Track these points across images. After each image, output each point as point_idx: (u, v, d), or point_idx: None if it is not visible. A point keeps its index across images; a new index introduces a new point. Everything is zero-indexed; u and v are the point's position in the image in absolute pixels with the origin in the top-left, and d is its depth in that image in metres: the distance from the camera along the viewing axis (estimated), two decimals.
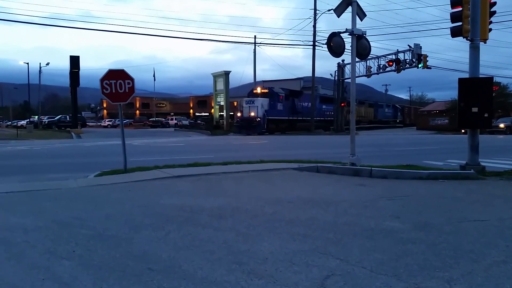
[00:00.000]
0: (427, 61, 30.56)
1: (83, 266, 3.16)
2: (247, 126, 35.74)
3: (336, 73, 40.76)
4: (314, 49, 40.66)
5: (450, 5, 9.04)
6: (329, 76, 45.47)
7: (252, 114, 35.46)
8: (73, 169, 10.15)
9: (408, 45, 31.07)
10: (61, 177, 8.15)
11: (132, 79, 8.77)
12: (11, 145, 22.82)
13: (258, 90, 37.69)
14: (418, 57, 30.24)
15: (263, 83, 52.25)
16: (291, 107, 39.89)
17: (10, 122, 69.05)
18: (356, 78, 9.65)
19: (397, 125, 64.25)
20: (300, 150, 16.77)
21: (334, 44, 9.12)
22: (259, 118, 35.32)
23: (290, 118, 39.65)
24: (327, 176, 8.28)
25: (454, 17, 8.97)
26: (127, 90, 8.71)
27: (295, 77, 62.37)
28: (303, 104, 41.83)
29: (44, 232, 4.11)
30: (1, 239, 3.85)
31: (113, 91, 8.64)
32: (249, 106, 36.21)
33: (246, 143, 22.75)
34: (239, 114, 37.33)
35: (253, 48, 45.01)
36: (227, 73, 45.32)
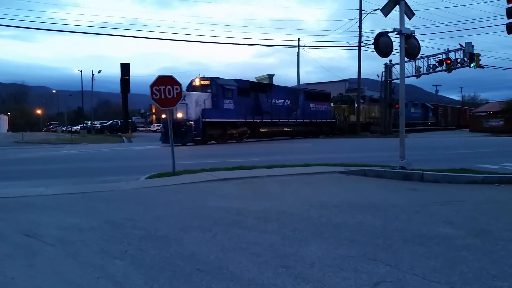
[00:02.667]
0: (480, 60, 29.10)
1: (135, 266, 3.27)
2: (174, 133, 24.28)
3: (383, 74, 39.69)
4: (359, 50, 39.91)
5: (506, 0, 8.58)
6: (375, 77, 44.37)
7: (180, 115, 24.29)
8: (125, 171, 10.55)
9: (459, 44, 29.75)
10: (114, 180, 8.51)
11: (179, 85, 9.01)
12: (66, 149, 24.12)
13: (197, 82, 26.41)
14: (470, 56, 28.86)
15: (307, 86, 51.45)
16: (253, 106, 28.58)
17: (65, 128, 73.00)
18: (405, 79, 9.35)
19: (427, 128, 54.28)
20: (339, 154, 16.48)
21: (382, 44, 8.90)
22: (191, 121, 24.32)
23: (249, 120, 28.15)
24: (375, 180, 8.08)
25: (511, 13, 8.49)
26: (175, 96, 8.96)
27: (340, 79, 61.26)
28: (274, 101, 30.77)
29: (98, 232, 4.30)
30: (59, 238, 4.06)
31: (162, 96, 8.92)
32: (179, 105, 23.87)
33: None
34: (164, 116, 24.26)
35: (297, 50, 44.84)
36: (270, 77, 45.40)
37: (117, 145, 28.84)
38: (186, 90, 25.55)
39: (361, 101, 41.96)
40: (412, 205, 5.51)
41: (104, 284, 2.91)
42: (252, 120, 28.59)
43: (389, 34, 8.97)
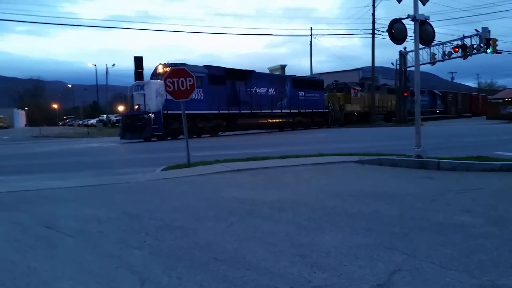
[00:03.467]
0: (497, 45, 28.45)
1: (153, 255, 3.32)
2: (131, 127, 22.27)
3: (398, 61, 39.11)
4: (373, 38, 39.40)
5: None
6: (390, 65, 43.64)
7: (137, 106, 22.05)
8: (141, 164, 10.69)
9: (475, 30, 29.11)
10: (130, 172, 8.62)
11: (192, 77, 9.04)
12: (83, 143, 24.47)
13: (160, 69, 23.36)
14: (487, 42, 28.23)
15: (320, 75, 50.90)
16: (229, 96, 25.77)
17: (81, 122, 73.99)
18: (420, 66, 9.21)
19: (435, 116, 50.77)
20: (353, 144, 16.37)
21: (396, 31, 8.77)
22: (151, 113, 21.47)
23: (224, 112, 25.20)
24: (390, 169, 8.02)
25: None
26: (188, 87, 8.99)
27: (353, 67, 60.56)
28: (255, 90, 27.81)
29: (116, 223, 4.38)
30: (78, 229, 4.14)
31: (176, 88, 8.96)
32: (137, 95, 22.31)
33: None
34: (121, 109, 23.14)
35: (309, 40, 44.48)
36: (283, 67, 45.07)
37: None
38: (150, 78, 23.69)
39: (358, 88, 39.58)
40: (428, 194, 5.46)
41: (123, 274, 2.96)
42: (227, 112, 25.41)
43: (403, 21, 8.83)
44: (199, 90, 23.01)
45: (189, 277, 2.85)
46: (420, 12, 8.48)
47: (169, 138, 22.79)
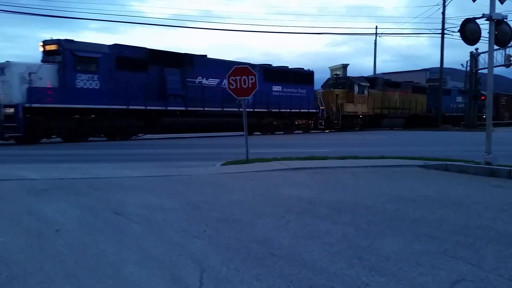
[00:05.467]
0: None
1: (212, 246, 3.44)
2: None
3: (468, 63, 36.89)
4: (442, 38, 37.51)
5: None
6: (459, 67, 41.25)
7: None
8: (202, 158, 11.06)
9: None
10: (191, 165, 8.94)
11: (254, 75, 9.19)
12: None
13: (41, 47, 17.43)
14: None
15: (384, 75, 49.16)
16: (153, 87, 19.75)
17: None
18: (493, 68, 8.64)
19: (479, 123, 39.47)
20: (402, 147, 15.69)
21: (468, 31, 8.30)
22: (10, 106, 15.56)
23: (136, 108, 19.10)
24: (456, 175, 7.63)
25: None
26: (250, 86, 9.16)
27: (420, 68, 57.92)
28: (197, 81, 21.71)
29: (179, 213, 4.57)
30: (143, 216, 4.38)
31: (238, 86, 9.16)
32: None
33: None
34: None
35: (374, 38, 43.22)
36: (345, 66, 44.19)
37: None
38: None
39: (366, 84, 32.24)
40: (497, 203, 5.14)
41: (184, 261, 3.09)
42: (144, 108, 19.22)
43: (477, 21, 8.33)
44: (93, 77, 17.51)
45: (246, 270, 2.92)
46: (497, 10, 7.95)
47: (42, 140, 17.00)
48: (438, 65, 38.76)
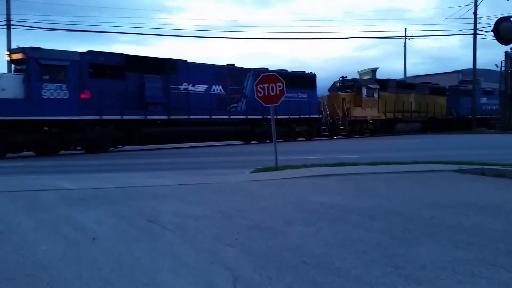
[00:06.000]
0: None
1: (244, 254, 3.45)
2: None
3: (503, 63, 35.64)
4: (475, 38, 36.49)
5: None
6: (493, 67, 39.94)
7: None
8: (229, 166, 11.12)
9: None
10: (221, 173, 9.03)
11: (282, 82, 9.21)
12: None
13: (7, 56, 16.81)
14: None
15: (414, 79, 48.14)
16: (128, 95, 18.18)
17: None
18: None
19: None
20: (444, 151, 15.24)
21: (503, 30, 8.10)
22: None
23: (110, 118, 17.70)
24: (494, 180, 7.36)
25: None
26: (278, 93, 9.18)
27: (452, 70, 56.35)
28: (182, 88, 20.27)
29: (210, 220, 4.62)
30: (177, 224, 4.45)
31: (266, 94, 9.20)
32: None
33: None
34: None
35: (403, 41, 42.53)
36: (374, 70, 43.72)
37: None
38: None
39: (376, 86, 30.10)
40: None
41: (217, 269, 3.11)
42: (119, 118, 17.78)
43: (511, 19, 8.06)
44: (61, 86, 16.14)
45: (278, 278, 2.91)
46: None
47: (29, 152, 16.29)
48: (471, 67, 37.69)
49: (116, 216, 4.89)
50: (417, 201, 5.48)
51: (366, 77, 40.92)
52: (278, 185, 7.16)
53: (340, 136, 27.98)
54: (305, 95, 25.53)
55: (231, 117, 21.92)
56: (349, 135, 28.04)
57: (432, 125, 35.36)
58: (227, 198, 6.01)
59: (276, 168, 9.04)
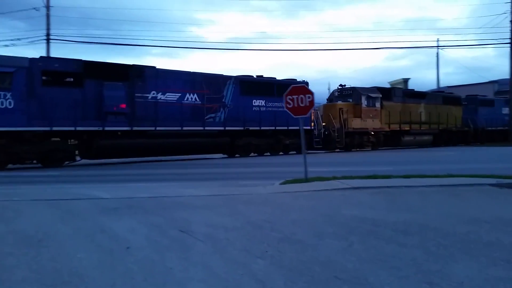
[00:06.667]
0: None
1: (274, 266, 3.44)
2: None
3: None
4: None
5: None
6: None
7: None
8: (259, 177, 11.13)
9: None
10: (251, 184, 9.04)
11: (311, 93, 9.20)
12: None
13: None
14: None
15: (448, 89, 46.90)
16: (85, 104, 16.66)
17: None
18: None
19: None
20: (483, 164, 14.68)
21: None
22: None
23: (63, 130, 16.21)
24: None
25: None
26: (307, 104, 9.17)
27: (487, 80, 54.54)
28: (149, 96, 18.41)
29: (240, 232, 4.63)
30: (207, 235, 4.48)
31: (295, 105, 9.21)
32: None
33: None
34: None
35: (436, 51, 41.62)
36: (405, 80, 43.00)
37: None
38: None
39: (377, 95, 27.36)
40: None
41: (248, 281, 3.12)
42: (73, 129, 16.25)
43: None
44: (5, 95, 14.66)
45: None
46: None
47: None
48: (508, 77, 36.37)
49: (148, 226, 4.97)
50: (453, 216, 5.31)
51: (399, 86, 39.86)
52: (308, 197, 7.10)
53: (337, 150, 25.69)
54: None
55: (207, 128, 20.01)
56: (347, 149, 25.77)
57: (446, 137, 32.41)
58: (257, 210, 6.01)
59: (306, 180, 8.97)
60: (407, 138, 29.37)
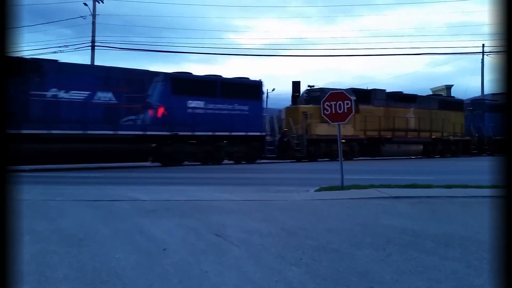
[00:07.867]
0: None
1: (309, 275, 3.39)
2: None
3: None
4: None
5: None
6: None
7: None
8: (295, 183, 11.08)
9: None
10: (286, 190, 9.01)
11: (350, 100, 9.06)
12: None
13: None
14: None
15: (492, 96, 44.91)
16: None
17: None
18: None
19: None
20: None
21: None
22: None
23: None
24: None
25: None
26: (345, 110, 9.04)
27: None
28: (47, 94, 15.62)
29: (275, 238, 4.61)
30: (242, 240, 4.50)
31: (333, 111, 9.10)
32: None
33: None
34: None
35: (480, 57, 40.11)
36: (448, 87, 41.58)
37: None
38: None
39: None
40: None
41: None
42: None
43: None
44: None
45: None
46: None
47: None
48: None
49: (185, 228, 5.05)
50: (496, 229, 5.06)
51: (440, 93, 38.55)
52: (344, 205, 6.98)
53: (300, 159, 22.16)
54: (246, 107, 20.27)
55: (120, 132, 16.94)
56: (311, 158, 22.27)
57: (441, 147, 28.43)
58: (291, 216, 5.98)
59: (342, 188, 8.84)
60: (388, 147, 25.32)
